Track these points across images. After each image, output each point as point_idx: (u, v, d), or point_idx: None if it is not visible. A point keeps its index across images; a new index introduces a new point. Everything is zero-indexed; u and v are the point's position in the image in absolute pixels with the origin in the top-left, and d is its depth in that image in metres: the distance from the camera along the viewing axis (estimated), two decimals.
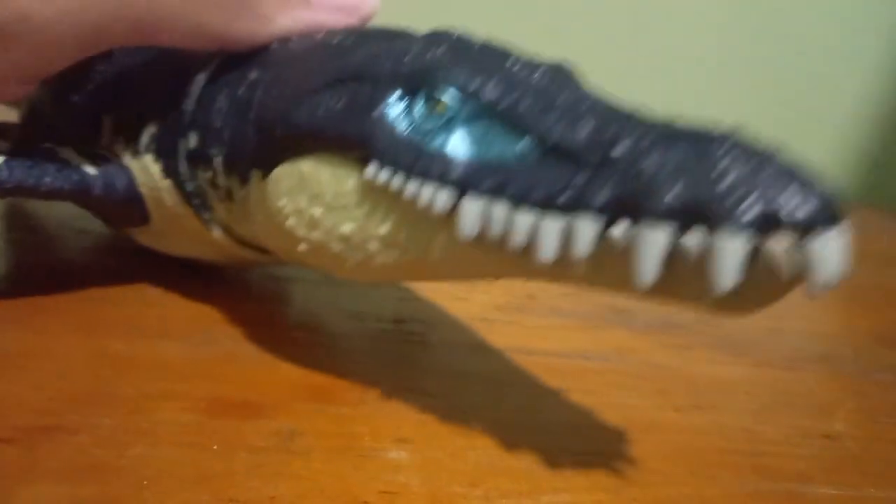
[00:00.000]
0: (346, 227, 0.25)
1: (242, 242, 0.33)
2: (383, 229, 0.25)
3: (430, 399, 0.28)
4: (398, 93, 0.24)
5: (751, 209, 0.18)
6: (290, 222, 0.27)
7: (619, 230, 0.20)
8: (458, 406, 0.28)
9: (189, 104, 0.31)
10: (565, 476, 0.24)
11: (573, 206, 0.20)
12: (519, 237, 0.21)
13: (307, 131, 0.26)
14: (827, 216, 0.18)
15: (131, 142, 0.33)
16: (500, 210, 0.21)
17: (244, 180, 0.29)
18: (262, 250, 0.32)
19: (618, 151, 0.20)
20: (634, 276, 0.19)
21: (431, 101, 0.24)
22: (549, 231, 0.21)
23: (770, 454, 0.28)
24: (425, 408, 0.28)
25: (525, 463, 0.25)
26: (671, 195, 0.19)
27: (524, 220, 0.21)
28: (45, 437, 0.23)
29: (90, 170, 0.32)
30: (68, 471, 0.21)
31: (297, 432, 0.25)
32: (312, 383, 0.28)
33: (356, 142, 0.25)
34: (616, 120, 0.21)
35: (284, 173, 0.27)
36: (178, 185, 0.32)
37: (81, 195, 0.32)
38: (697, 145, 0.19)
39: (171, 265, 0.37)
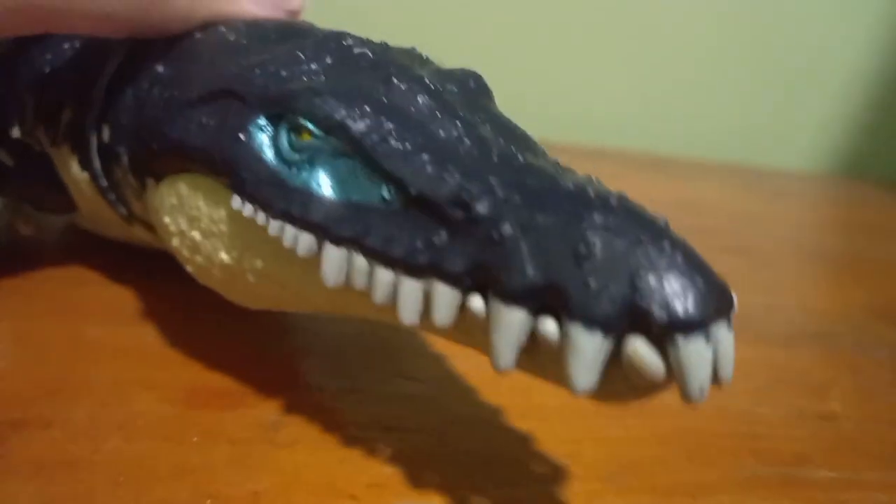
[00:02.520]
0: (223, 256, 0.24)
1: None
2: (259, 263, 0.23)
3: (420, 384, 0.27)
4: (264, 116, 0.22)
5: (611, 300, 0.15)
6: (175, 242, 0.25)
7: (477, 303, 0.17)
8: (448, 390, 0.27)
9: (99, 94, 0.28)
10: (559, 463, 0.24)
11: (432, 270, 0.18)
12: (380, 293, 0.19)
13: (179, 148, 0.23)
14: (703, 313, 0.15)
15: (50, 129, 0.30)
16: (360, 262, 0.19)
17: (143, 185, 0.27)
18: None
19: (481, 209, 0.17)
20: (492, 355, 0.17)
21: (296, 129, 0.21)
22: (407, 293, 0.19)
23: (768, 437, 0.27)
24: (414, 393, 0.27)
25: (517, 450, 0.24)
26: (529, 272, 0.16)
27: (384, 276, 0.19)
28: (13, 431, 0.22)
29: (5, 159, 0.30)
30: (39, 467, 0.20)
31: (281, 422, 0.24)
32: (298, 370, 0.27)
33: (220, 168, 0.22)
34: (490, 168, 0.19)
35: (167, 189, 0.25)
36: (94, 178, 0.30)
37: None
38: (570, 208, 0.17)
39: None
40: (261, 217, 0.21)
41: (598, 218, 0.16)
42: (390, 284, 0.19)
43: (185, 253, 0.25)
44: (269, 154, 0.22)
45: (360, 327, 0.32)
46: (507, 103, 0.27)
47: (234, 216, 0.23)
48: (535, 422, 0.26)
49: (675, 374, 0.15)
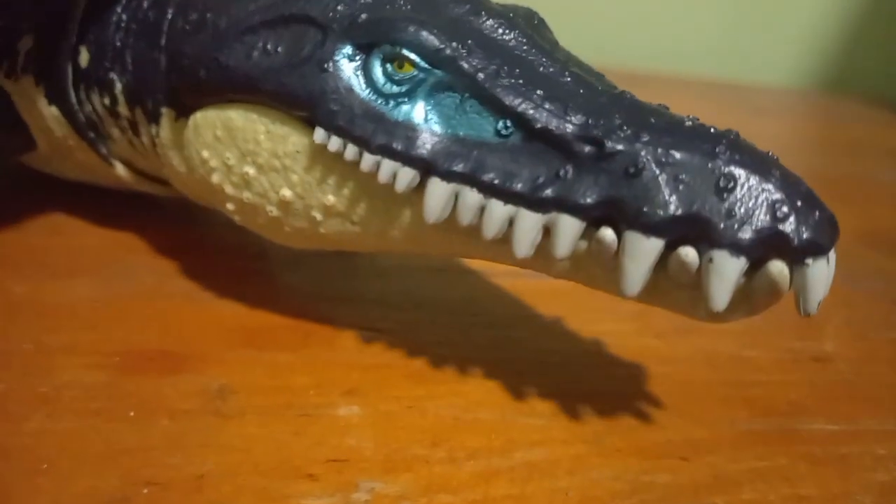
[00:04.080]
0: (286, 192, 0.22)
1: (153, 178, 0.28)
2: (331, 198, 0.22)
3: (385, 337, 0.25)
4: (352, 46, 0.21)
5: (754, 231, 0.17)
6: (215, 178, 0.23)
7: (609, 234, 0.18)
8: (416, 344, 0.25)
9: (76, 12, 0.25)
10: (540, 426, 0.22)
11: (558, 203, 0.18)
12: (493, 229, 0.19)
13: (240, 78, 0.22)
14: (827, 240, 0.17)
15: (4, 60, 0.26)
16: (472, 197, 0.19)
17: (152, 118, 0.25)
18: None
19: (612, 146, 0.18)
20: (621, 283, 0.18)
21: (394, 60, 0.20)
22: (528, 226, 0.19)
23: (760, 384, 0.25)
24: (379, 349, 0.24)
25: (494, 412, 0.22)
26: (671, 205, 0.17)
27: (500, 211, 0.19)
28: None
29: None
30: None
31: (228, 389, 0.21)
32: (247, 325, 0.25)
33: (301, 101, 0.21)
34: (608, 106, 0.19)
35: (208, 121, 0.23)
36: (68, 112, 0.26)
37: None
38: (697, 146, 0.18)
39: (83, 186, 0.32)
40: (351, 151, 0.20)
41: (729, 154, 0.18)
42: (504, 219, 0.19)
43: (230, 189, 0.23)
44: (360, 85, 0.21)
45: (320, 270, 0.29)
46: None
47: (307, 149, 0.21)
48: (512, 376, 0.24)
49: (800, 290, 0.18)
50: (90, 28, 0.25)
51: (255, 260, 0.30)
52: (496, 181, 0.19)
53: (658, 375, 0.25)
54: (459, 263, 0.31)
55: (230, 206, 0.24)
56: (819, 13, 0.94)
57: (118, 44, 0.25)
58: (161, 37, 0.24)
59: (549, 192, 0.18)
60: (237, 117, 0.22)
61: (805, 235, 0.17)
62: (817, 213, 0.17)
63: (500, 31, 0.21)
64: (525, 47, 0.21)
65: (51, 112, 0.27)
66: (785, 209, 0.17)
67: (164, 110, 0.24)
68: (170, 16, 0.24)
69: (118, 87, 0.25)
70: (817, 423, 0.24)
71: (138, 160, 0.27)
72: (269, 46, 0.21)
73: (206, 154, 0.23)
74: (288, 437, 0.20)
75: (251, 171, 0.22)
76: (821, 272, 0.17)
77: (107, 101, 0.25)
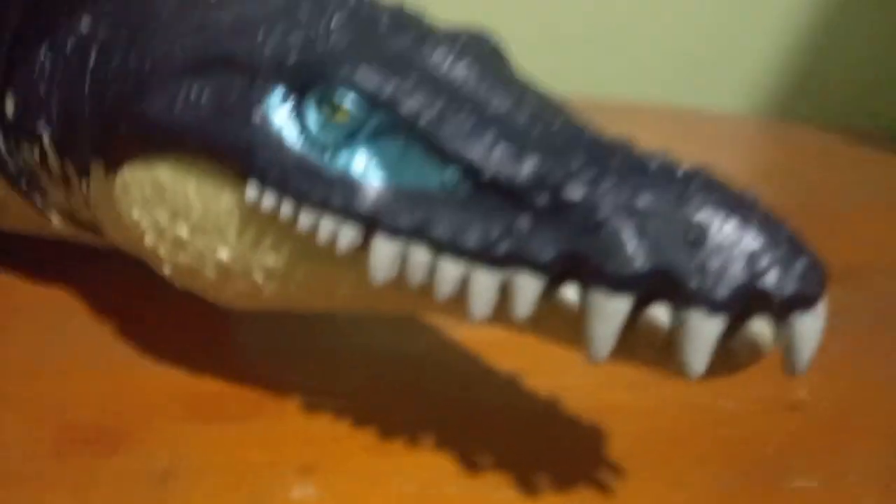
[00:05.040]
0: (222, 254, 0.20)
1: (93, 229, 0.26)
2: (271, 260, 0.20)
3: (343, 402, 0.23)
4: (283, 90, 0.19)
5: (732, 288, 0.15)
6: (148, 240, 0.21)
7: (571, 293, 0.17)
8: (377, 410, 0.23)
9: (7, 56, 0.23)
10: (511, 498, 0.20)
11: (514, 259, 0.17)
12: (446, 289, 0.17)
13: (163, 131, 0.20)
14: (813, 290, 0.16)
15: None
16: (421, 255, 0.17)
17: (82, 172, 0.23)
18: None
19: (569, 194, 0.16)
20: (588, 346, 0.17)
21: (328, 105, 0.18)
22: (483, 287, 0.17)
23: (736, 438, 0.24)
24: (337, 416, 0.23)
25: (460, 486, 0.20)
26: (637, 260, 0.16)
27: (452, 270, 0.17)
28: None
29: None
30: None
31: (172, 469, 0.20)
32: (192, 393, 0.23)
33: (229, 155, 0.19)
34: (564, 146, 0.17)
35: (136, 178, 0.21)
36: None
37: None
38: (663, 190, 0.16)
39: (17, 239, 0.30)
40: (286, 209, 0.19)
41: (701, 197, 0.16)
42: (457, 278, 0.17)
43: (163, 252, 0.21)
44: (293, 135, 0.19)
45: (273, 328, 0.28)
46: None
47: (241, 208, 0.19)
48: (475, 442, 0.22)
49: (787, 349, 0.16)
50: (14, 74, 0.23)
51: (201, 319, 0.28)
52: (445, 237, 0.17)
53: (629, 433, 0.24)
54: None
55: (167, 270, 0.22)
56: (775, 41, 0.95)
57: (43, 92, 0.23)
58: (84, 84, 0.22)
59: (503, 247, 0.17)
60: (165, 174, 0.20)
61: (788, 288, 0.15)
62: (802, 261, 0.16)
63: (448, 63, 0.19)
64: (475, 81, 0.19)
65: None
66: (765, 260, 0.15)
67: (93, 163, 0.22)
68: (92, 61, 0.22)
69: (46, 139, 0.23)
70: (801, 480, 0.23)
71: (77, 210, 0.25)
72: (192, 94, 0.20)
73: (136, 215, 0.21)
74: None
75: (184, 232, 0.20)
76: (808, 327, 0.16)
77: (36, 153, 0.24)
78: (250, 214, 0.19)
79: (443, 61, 0.19)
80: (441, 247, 0.17)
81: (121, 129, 0.21)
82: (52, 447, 0.20)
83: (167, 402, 0.22)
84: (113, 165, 0.21)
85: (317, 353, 0.26)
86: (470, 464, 0.21)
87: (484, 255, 0.17)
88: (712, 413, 0.26)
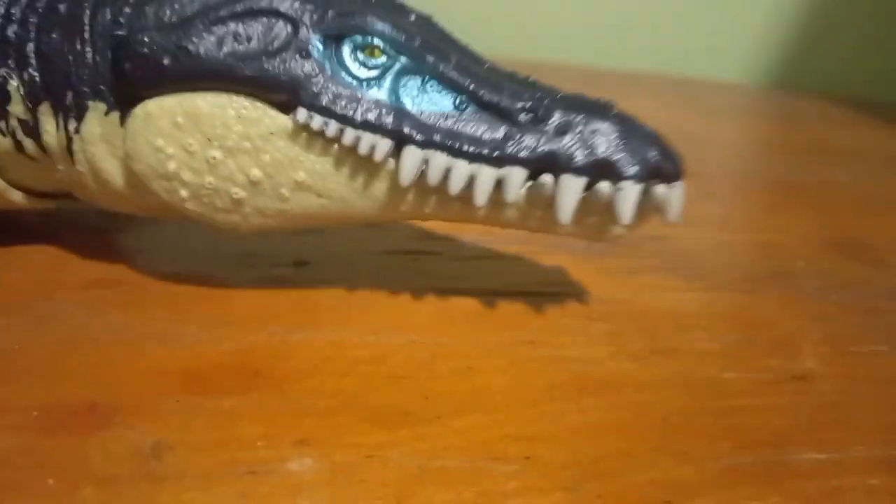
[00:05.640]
0: (255, 172, 0.24)
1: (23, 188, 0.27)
2: (302, 174, 0.24)
3: (339, 378, 0.23)
4: (323, 36, 0.24)
5: (644, 165, 0.23)
6: (172, 165, 0.24)
7: (548, 178, 0.23)
8: (374, 380, 0.23)
9: None
10: (513, 473, 0.20)
11: (511, 159, 0.23)
12: (457, 183, 0.23)
13: (212, 66, 0.23)
14: (680, 170, 0.24)
15: None
16: (441, 160, 0.23)
17: (69, 114, 0.24)
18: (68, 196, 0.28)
19: (548, 116, 0.24)
20: (558, 214, 0.23)
21: (366, 49, 0.24)
22: (486, 178, 0.23)
23: (741, 410, 0.24)
24: (334, 388, 0.22)
25: (463, 459, 0.20)
26: (593, 154, 0.23)
27: (464, 169, 0.23)
28: None
29: None
30: None
31: (163, 445, 0.19)
32: (186, 367, 0.22)
33: (283, 85, 0.23)
34: (525, 85, 0.25)
35: (165, 109, 0.23)
36: None
37: None
38: (598, 113, 0.24)
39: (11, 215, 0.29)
40: (332, 128, 0.23)
41: (615, 116, 0.24)
42: (467, 175, 0.23)
43: (188, 176, 0.24)
44: (336, 70, 0.24)
45: (269, 297, 0.27)
46: (445, 16, 0.29)
47: (282, 130, 0.23)
48: (481, 413, 0.22)
49: (670, 205, 0.24)
50: None
51: (195, 288, 0.27)
52: (462, 146, 0.23)
53: (636, 405, 0.23)
54: (418, 282, 0.29)
55: (183, 193, 0.24)
56: (775, 10, 0.94)
57: (12, 38, 0.24)
58: (83, 29, 0.23)
59: (503, 150, 0.23)
60: (203, 104, 0.23)
61: (675, 167, 0.24)
62: (675, 154, 0.24)
63: (423, 23, 0.25)
64: (443, 37, 0.25)
65: None
66: (658, 151, 0.24)
67: (90, 104, 0.24)
68: (90, 8, 0.24)
69: (13, 84, 0.24)
70: (805, 453, 0.22)
71: (14, 169, 0.26)
72: (240, 36, 0.23)
73: (160, 142, 0.23)
74: (233, 500, 0.18)
75: (218, 154, 0.23)
76: (679, 190, 0.24)
77: None
78: (291, 135, 0.23)
79: (422, 23, 0.25)
80: (457, 152, 0.23)
81: (164, 64, 0.23)
82: (40, 423, 0.19)
83: (160, 376, 0.22)
84: (128, 102, 0.24)
85: (314, 326, 0.26)
86: (471, 437, 0.21)
87: (489, 157, 0.23)
88: (717, 385, 0.25)
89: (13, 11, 0.24)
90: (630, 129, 0.24)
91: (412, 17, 0.25)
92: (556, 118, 0.23)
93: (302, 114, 0.23)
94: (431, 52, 0.24)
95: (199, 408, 0.21)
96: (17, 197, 0.27)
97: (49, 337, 0.23)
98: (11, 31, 0.24)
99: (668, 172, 0.23)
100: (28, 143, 0.25)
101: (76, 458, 0.18)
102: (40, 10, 0.24)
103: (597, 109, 0.24)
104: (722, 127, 0.69)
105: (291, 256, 0.30)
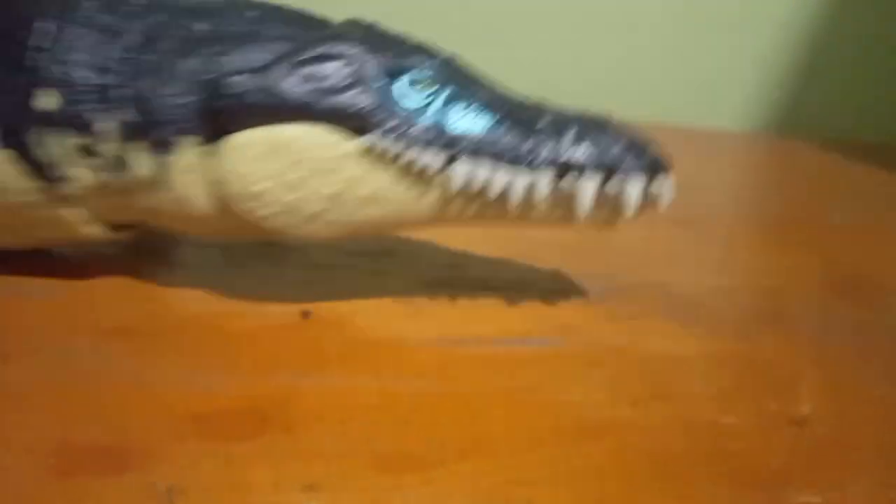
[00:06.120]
0: (330, 189, 0.28)
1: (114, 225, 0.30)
2: (367, 189, 0.28)
3: (342, 420, 0.23)
4: (384, 72, 0.28)
5: (645, 164, 0.29)
6: (258, 187, 0.27)
7: (569, 180, 0.29)
8: (380, 425, 0.23)
9: (38, 55, 0.27)
10: None
11: (544, 163, 0.28)
12: (498, 189, 0.29)
13: (295, 102, 0.27)
14: (670, 166, 0.30)
15: None
16: (484, 169, 0.28)
17: (159, 149, 0.27)
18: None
19: (565, 129, 0.29)
20: (577, 208, 0.29)
21: (418, 82, 0.28)
22: (521, 183, 0.29)
23: (740, 453, 0.24)
24: (341, 432, 0.23)
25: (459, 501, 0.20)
26: (603, 161, 0.29)
27: (503, 176, 0.28)
28: None
29: None
30: None
31: (177, 489, 0.20)
32: (198, 411, 0.23)
33: (358, 114, 0.27)
34: (535, 104, 0.30)
35: (255, 139, 0.27)
36: (23, 154, 0.27)
37: None
38: (605, 130, 0.29)
39: (12, 251, 0.30)
40: (397, 147, 0.28)
41: (617, 126, 0.30)
42: (506, 182, 0.28)
43: (274, 195, 0.27)
44: (396, 101, 0.28)
45: (276, 344, 0.28)
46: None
47: (354, 152, 0.28)
48: (482, 458, 0.22)
49: (662, 196, 0.30)
50: (55, 70, 0.27)
51: (206, 335, 0.28)
52: (502, 157, 0.28)
53: (636, 449, 0.24)
54: (421, 329, 0.30)
55: (268, 211, 0.28)
56: (766, 57, 0.96)
57: (111, 84, 0.27)
58: (174, 74, 0.27)
59: (535, 158, 0.28)
60: (288, 134, 0.27)
61: (664, 167, 0.30)
62: (661, 157, 0.30)
63: (462, 64, 0.31)
64: (480, 75, 0.31)
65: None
66: (653, 151, 0.30)
67: (181, 139, 0.27)
68: (179, 56, 0.27)
69: (108, 126, 0.27)
70: (804, 495, 0.23)
71: (95, 204, 0.28)
72: (317, 76, 0.27)
73: (250, 168, 0.27)
74: None
75: (300, 174, 0.27)
76: (669, 186, 0.30)
77: (81, 140, 0.27)
78: (360, 155, 0.28)
79: (454, 60, 0.31)
80: (496, 163, 0.28)
81: (255, 103, 0.27)
82: (55, 465, 0.20)
83: (173, 420, 0.22)
84: (213, 135, 0.27)
85: (321, 372, 0.26)
86: (475, 482, 0.21)
87: (522, 165, 0.28)
88: (716, 428, 0.26)
89: (109, 64, 0.27)
90: (630, 136, 0.29)
91: (445, 56, 0.30)
92: (573, 130, 0.29)
93: (370, 138, 0.27)
94: (469, 82, 0.29)
95: (210, 452, 0.21)
96: (95, 230, 0.29)
97: (63, 380, 0.24)
98: (109, 79, 0.27)
99: (663, 168, 0.29)
100: (115, 178, 0.27)
101: (92, 500, 0.19)
102: (132, 59, 0.27)
103: (602, 121, 0.29)
104: (718, 173, 0.70)
105: (299, 304, 0.31)
